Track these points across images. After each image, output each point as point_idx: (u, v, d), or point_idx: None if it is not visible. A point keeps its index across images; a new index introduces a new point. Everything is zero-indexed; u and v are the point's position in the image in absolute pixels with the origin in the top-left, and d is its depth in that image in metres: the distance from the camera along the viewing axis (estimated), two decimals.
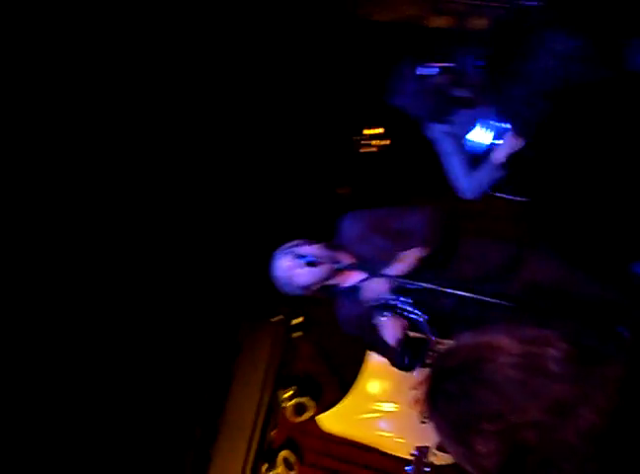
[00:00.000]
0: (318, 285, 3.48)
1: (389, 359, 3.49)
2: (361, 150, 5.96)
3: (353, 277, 3.52)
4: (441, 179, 4.02)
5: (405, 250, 3.46)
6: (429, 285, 3.16)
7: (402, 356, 3.33)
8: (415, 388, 3.67)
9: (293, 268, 3.46)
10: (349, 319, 3.56)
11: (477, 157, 3.86)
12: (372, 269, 3.41)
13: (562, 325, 2.82)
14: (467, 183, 3.86)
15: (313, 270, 3.41)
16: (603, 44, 1.52)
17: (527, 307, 2.99)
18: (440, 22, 5.59)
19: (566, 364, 1.32)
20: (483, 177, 3.80)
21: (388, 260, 3.42)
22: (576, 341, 1.37)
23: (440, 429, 1.43)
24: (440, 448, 3.54)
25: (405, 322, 3.35)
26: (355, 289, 3.50)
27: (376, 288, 3.39)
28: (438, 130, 3.90)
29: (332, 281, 3.52)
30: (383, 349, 3.45)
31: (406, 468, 3.76)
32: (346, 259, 3.51)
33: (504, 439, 1.31)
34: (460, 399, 1.36)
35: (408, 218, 3.58)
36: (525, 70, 1.51)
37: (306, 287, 3.49)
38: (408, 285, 3.27)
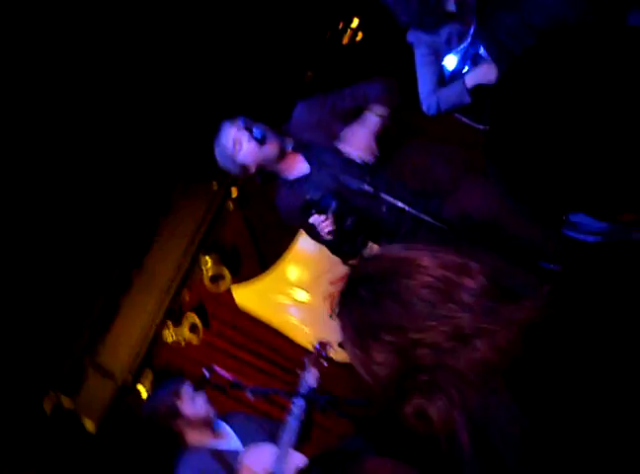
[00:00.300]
0: (260, 166, 3.37)
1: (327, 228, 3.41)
2: (335, 39, 5.84)
3: (297, 168, 3.44)
4: (411, 87, 3.97)
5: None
6: (368, 189, 3.14)
7: (339, 247, 3.34)
8: (331, 283, 3.68)
9: (240, 139, 3.31)
10: (289, 210, 3.48)
11: (450, 76, 3.83)
12: (319, 159, 3.34)
13: (487, 258, 2.89)
14: (430, 97, 3.83)
15: (259, 146, 3.30)
16: None
17: (458, 232, 3.03)
18: None
19: (478, 298, 1.35)
20: (446, 96, 3.77)
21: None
22: (495, 277, 1.40)
23: (343, 328, 1.45)
24: (340, 346, 3.64)
25: (332, 222, 3.29)
26: (296, 183, 3.42)
27: (318, 184, 3.34)
28: (419, 38, 3.82)
29: (275, 168, 3.42)
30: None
31: (304, 358, 3.86)
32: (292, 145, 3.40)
33: (400, 353, 1.34)
34: (370, 306, 1.38)
35: (361, 87, 3.45)
36: (522, 0, 1.46)
37: (247, 165, 3.36)
38: (348, 184, 3.23)
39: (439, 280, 1.36)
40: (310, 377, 3.75)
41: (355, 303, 1.43)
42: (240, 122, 3.33)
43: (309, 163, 3.39)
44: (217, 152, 3.43)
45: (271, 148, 3.31)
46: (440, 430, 1.36)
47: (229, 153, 3.36)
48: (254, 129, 3.25)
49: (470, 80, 3.70)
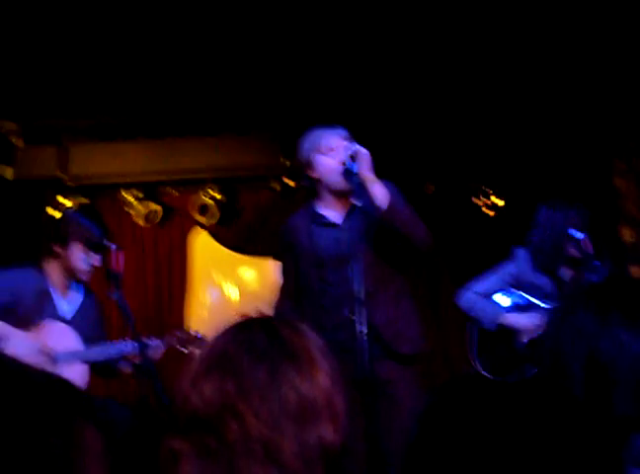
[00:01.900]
0: (320, 181, 3.24)
1: None
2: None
3: (334, 212, 3.26)
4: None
5: None
6: (354, 290, 2.99)
7: None
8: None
9: (336, 150, 3.16)
10: (288, 229, 3.36)
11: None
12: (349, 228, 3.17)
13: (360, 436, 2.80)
14: (472, 293, 3.86)
15: (339, 174, 3.10)
16: None
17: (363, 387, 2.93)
18: (627, 234, 5.64)
19: (316, 449, 1.28)
20: (482, 305, 3.82)
21: None
22: (341, 449, 1.34)
23: (214, 343, 1.38)
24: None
25: None
26: (318, 219, 3.28)
27: (326, 239, 3.26)
28: (521, 259, 3.87)
29: (323, 194, 3.27)
30: None
31: (177, 331, 3.76)
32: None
33: (221, 407, 1.28)
34: (247, 351, 1.32)
35: None
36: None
37: (313, 167, 3.23)
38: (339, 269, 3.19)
39: (314, 399, 1.30)
40: (160, 344, 3.63)
41: (240, 337, 1.36)
42: (353, 147, 3.17)
43: (343, 221, 3.23)
44: (313, 133, 3.27)
45: (342, 184, 3.15)
46: None
47: (316, 146, 3.21)
48: (349, 163, 3.09)
49: (509, 318, 3.76)
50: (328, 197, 3.26)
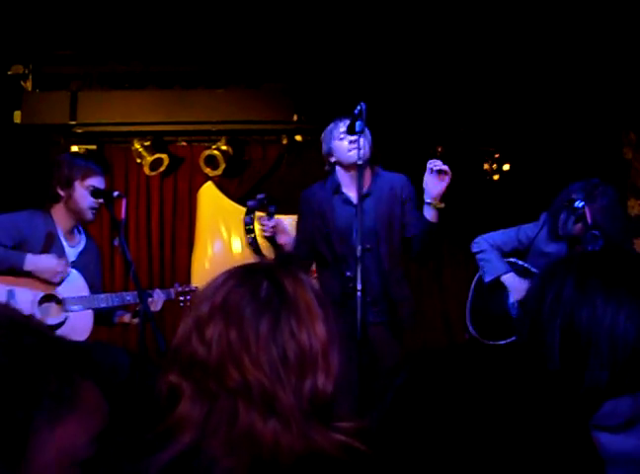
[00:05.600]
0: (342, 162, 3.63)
1: None
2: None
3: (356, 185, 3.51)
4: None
5: None
6: (358, 253, 3.16)
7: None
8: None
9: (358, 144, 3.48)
10: (306, 196, 3.78)
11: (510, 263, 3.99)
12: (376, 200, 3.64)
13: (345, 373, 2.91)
14: (487, 244, 3.98)
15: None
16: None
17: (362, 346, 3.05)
18: (634, 206, 5.60)
19: (310, 396, 1.31)
20: (494, 257, 3.94)
21: None
22: (336, 391, 1.36)
23: (216, 290, 1.39)
24: None
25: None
26: (341, 194, 3.66)
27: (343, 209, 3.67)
28: (545, 222, 3.91)
29: (344, 168, 3.64)
30: None
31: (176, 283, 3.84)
32: None
33: (223, 353, 1.31)
34: (255, 300, 1.34)
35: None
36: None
37: (333, 154, 3.64)
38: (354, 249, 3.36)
39: (311, 349, 1.33)
40: (161, 295, 3.72)
41: (244, 285, 1.38)
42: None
43: (369, 193, 3.59)
44: (328, 127, 3.67)
45: (352, 159, 3.47)
46: (173, 419, 1.31)
47: (332, 135, 3.63)
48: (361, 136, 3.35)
49: (507, 276, 3.88)
50: (346, 179, 3.67)
